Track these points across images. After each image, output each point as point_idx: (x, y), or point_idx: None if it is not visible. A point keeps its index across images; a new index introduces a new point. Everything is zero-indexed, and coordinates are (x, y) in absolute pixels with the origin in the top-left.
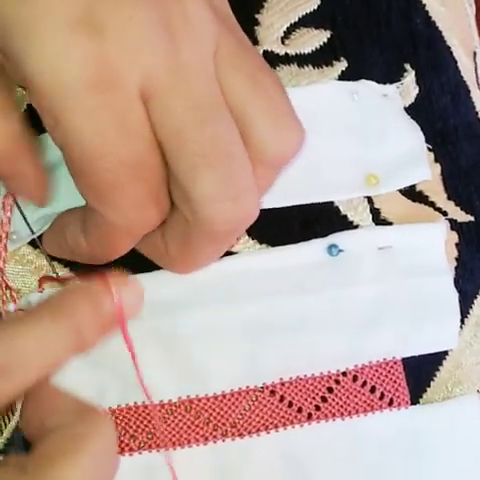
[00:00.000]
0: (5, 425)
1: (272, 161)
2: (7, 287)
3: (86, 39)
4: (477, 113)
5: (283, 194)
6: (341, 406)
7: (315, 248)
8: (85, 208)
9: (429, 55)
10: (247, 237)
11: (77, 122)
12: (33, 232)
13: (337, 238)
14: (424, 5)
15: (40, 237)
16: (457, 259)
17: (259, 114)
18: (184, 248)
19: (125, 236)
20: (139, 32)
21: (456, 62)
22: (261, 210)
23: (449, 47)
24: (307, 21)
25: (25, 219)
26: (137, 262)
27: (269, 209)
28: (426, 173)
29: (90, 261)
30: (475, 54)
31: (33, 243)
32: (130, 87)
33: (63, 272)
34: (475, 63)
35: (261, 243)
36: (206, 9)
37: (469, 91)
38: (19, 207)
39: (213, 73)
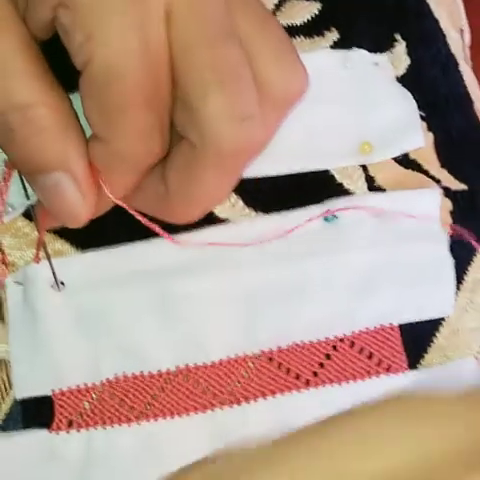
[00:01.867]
0: (3, 400)
1: (278, 100)
2: (3, 261)
3: None
4: (465, 86)
5: (278, 162)
6: (339, 372)
7: (311, 214)
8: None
9: (418, 27)
10: (242, 205)
11: (109, 35)
12: (28, 197)
13: (332, 204)
14: None
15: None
16: (451, 226)
17: (266, 52)
18: (187, 181)
19: (129, 170)
20: None
21: (444, 36)
22: (256, 178)
23: (437, 20)
24: None
25: (23, 183)
26: (136, 230)
27: (264, 177)
28: (420, 140)
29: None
30: (462, 32)
31: (28, 216)
32: (158, 2)
33: (58, 243)
34: (463, 40)
35: (256, 211)
36: None
37: (458, 64)
38: (20, 177)
39: (226, 4)
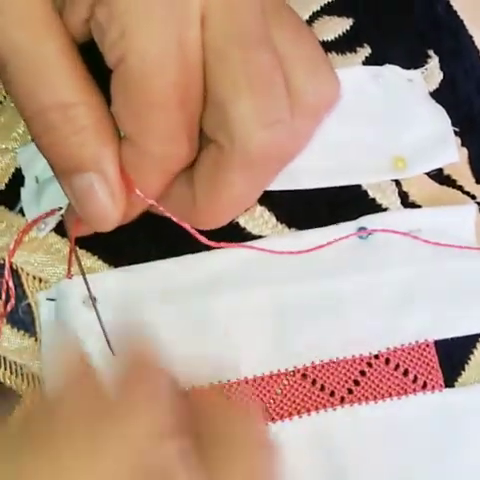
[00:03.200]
0: None
1: (309, 108)
2: (35, 277)
3: None
4: None
5: (311, 177)
6: (374, 389)
7: (345, 231)
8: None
9: (452, 42)
10: (275, 221)
11: (145, 31)
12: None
13: (366, 220)
14: None
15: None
16: None
17: (300, 62)
18: (214, 185)
19: (159, 172)
20: None
21: (478, 51)
22: (289, 193)
23: (471, 36)
24: (329, 9)
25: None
26: (167, 247)
27: (297, 192)
28: (454, 155)
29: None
30: None
31: (60, 232)
32: (194, 3)
33: (90, 260)
34: None
35: (290, 227)
36: None
37: None
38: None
39: (261, 11)
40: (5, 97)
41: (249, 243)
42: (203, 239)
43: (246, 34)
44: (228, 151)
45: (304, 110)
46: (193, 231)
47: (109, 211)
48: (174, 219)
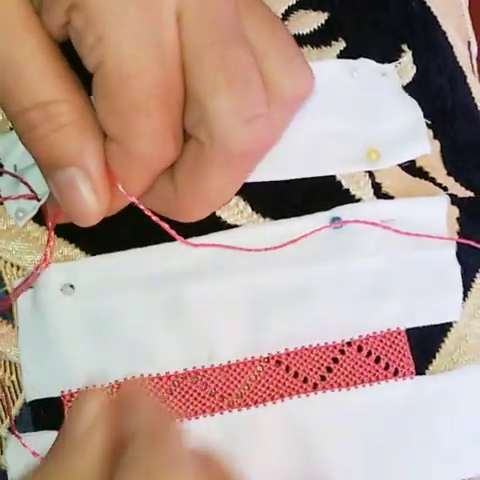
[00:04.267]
0: (13, 402)
1: (285, 100)
2: (13, 265)
3: None
4: (473, 98)
5: (286, 168)
6: (346, 376)
7: (318, 221)
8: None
9: (425, 37)
10: (250, 211)
11: (120, 36)
12: (38, 200)
13: (340, 211)
14: None
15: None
16: (458, 233)
17: (274, 54)
18: (195, 180)
19: (143, 171)
20: None
21: (452, 47)
22: (264, 184)
23: (444, 32)
24: (305, 3)
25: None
26: (144, 236)
27: (272, 182)
28: (426, 147)
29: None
30: (469, 43)
31: (39, 220)
32: (168, 5)
33: (68, 248)
34: (470, 52)
35: (264, 217)
36: None
37: (465, 76)
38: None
39: (235, 7)
40: None
41: (223, 233)
42: (180, 239)
43: (221, 31)
44: (208, 148)
45: (280, 103)
46: (172, 232)
47: (91, 207)
48: (153, 218)
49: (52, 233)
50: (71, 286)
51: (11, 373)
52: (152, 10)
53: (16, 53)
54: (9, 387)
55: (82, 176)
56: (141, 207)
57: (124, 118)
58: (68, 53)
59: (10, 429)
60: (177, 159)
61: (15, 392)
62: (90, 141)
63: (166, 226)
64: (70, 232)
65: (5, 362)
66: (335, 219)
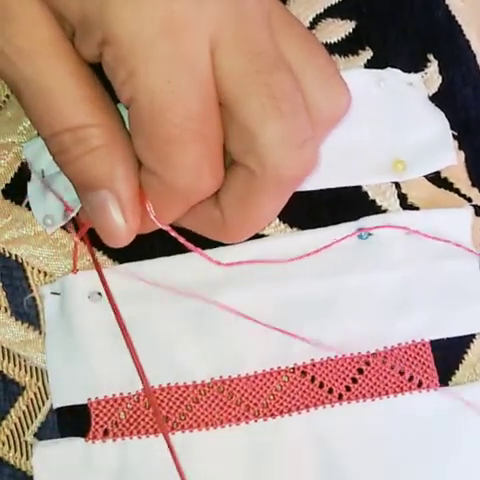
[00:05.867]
0: (39, 409)
1: (324, 121)
2: (40, 271)
3: None
4: None
5: (313, 178)
6: (371, 387)
7: (345, 231)
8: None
9: (450, 47)
10: (278, 221)
11: (150, 70)
12: (67, 207)
13: (366, 222)
14: None
15: (73, 221)
16: None
17: (313, 77)
18: (244, 207)
19: (179, 201)
20: None
21: (475, 56)
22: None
23: (468, 41)
24: (333, 12)
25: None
26: (172, 244)
27: (299, 193)
28: (452, 158)
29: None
30: None
31: (66, 226)
32: (200, 35)
33: (96, 255)
34: None
35: (292, 227)
36: None
37: None
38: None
39: (273, 28)
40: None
41: (250, 243)
42: (212, 260)
43: (262, 56)
44: (260, 176)
45: (320, 124)
46: (204, 254)
47: (120, 229)
48: (182, 241)
49: (79, 241)
50: (99, 293)
51: (38, 379)
52: (182, 41)
53: (47, 79)
54: (35, 393)
55: (112, 199)
56: (173, 234)
57: (159, 151)
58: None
59: (36, 435)
60: (223, 186)
61: (41, 398)
62: (121, 165)
63: (199, 250)
64: (99, 239)
65: (31, 368)
66: (361, 230)
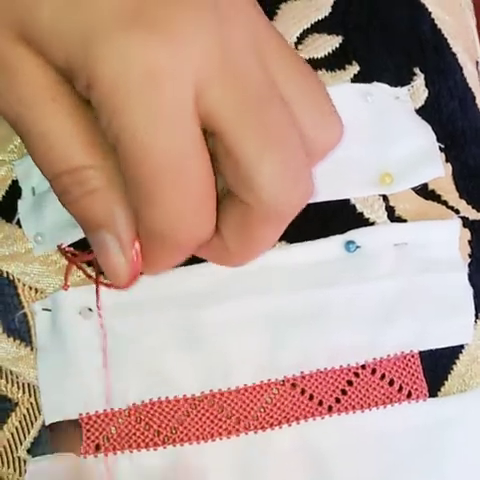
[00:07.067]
0: (32, 424)
1: (318, 153)
2: (31, 288)
3: (137, 36)
4: None
5: None
6: (361, 399)
7: (333, 244)
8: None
9: (436, 60)
10: None
11: (130, 118)
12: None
13: (354, 235)
14: (430, 13)
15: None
16: (470, 255)
17: (307, 109)
18: (244, 237)
19: (169, 248)
20: (190, 22)
21: (462, 69)
22: None
23: (454, 53)
24: (319, 27)
25: None
26: None
27: None
28: (439, 171)
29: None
30: (477, 63)
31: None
32: (183, 80)
33: (87, 271)
34: (478, 72)
35: (280, 240)
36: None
37: (475, 97)
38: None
39: (263, 58)
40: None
41: None
42: None
43: (254, 95)
44: (257, 210)
45: (314, 155)
46: None
47: (122, 269)
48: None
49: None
50: (90, 309)
51: (30, 395)
52: (164, 87)
53: (46, 123)
54: (28, 409)
55: (112, 239)
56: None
57: (141, 193)
58: None
59: (29, 451)
60: (223, 215)
61: (34, 414)
62: (119, 205)
63: None
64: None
65: (24, 384)
66: (349, 243)
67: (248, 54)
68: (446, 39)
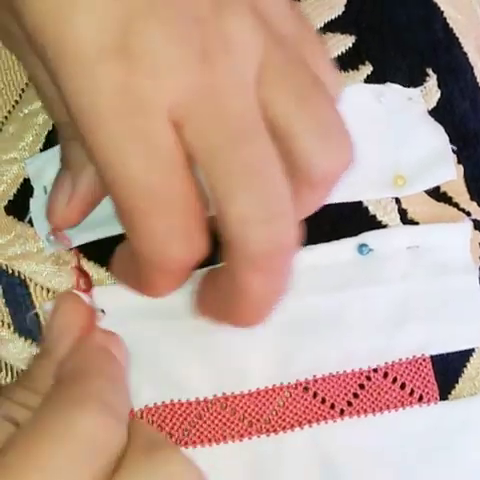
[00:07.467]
0: None
1: (319, 182)
2: (43, 287)
3: (116, 65)
4: None
5: None
6: (372, 402)
7: (346, 247)
8: None
9: (448, 60)
10: None
11: (104, 149)
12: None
13: (367, 237)
14: (442, 12)
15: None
16: None
17: (305, 133)
18: (233, 284)
19: (161, 274)
20: (171, 56)
21: (472, 68)
22: None
23: (465, 53)
24: (332, 26)
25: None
26: None
27: None
28: (452, 173)
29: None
30: None
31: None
32: (158, 112)
33: (99, 272)
34: None
35: None
36: (249, 26)
37: None
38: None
39: (252, 93)
40: (13, 106)
41: None
42: None
43: (233, 128)
44: (231, 252)
45: (313, 183)
46: None
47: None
48: None
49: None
50: (102, 311)
51: None
52: (139, 115)
53: None
54: None
55: None
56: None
57: (129, 223)
58: None
59: None
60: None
61: None
62: None
63: None
64: (101, 255)
65: None
66: (362, 245)
67: (234, 89)
68: (458, 38)
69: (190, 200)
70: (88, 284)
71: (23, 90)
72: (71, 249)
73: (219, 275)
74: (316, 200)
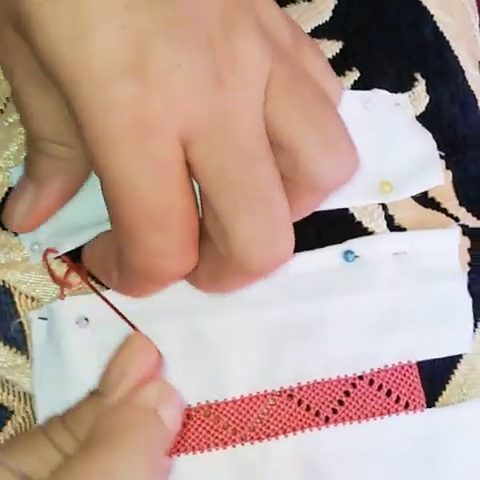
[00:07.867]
0: None
1: (323, 191)
2: (27, 296)
3: (129, 87)
4: None
5: None
6: (358, 409)
7: (331, 254)
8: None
9: (438, 64)
10: None
11: (112, 168)
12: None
13: (353, 244)
14: (432, 15)
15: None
16: (469, 264)
17: (311, 146)
18: (216, 279)
19: (148, 282)
20: (184, 79)
21: (463, 72)
22: None
23: (456, 57)
24: (319, 32)
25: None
26: None
27: None
28: (439, 178)
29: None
30: None
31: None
32: (168, 134)
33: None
34: None
35: None
36: (257, 45)
37: (477, 100)
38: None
39: (260, 112)
40: None
41: None
42: None
43: (238, 154)
44: (228, 264)
45: (317, 192)
46: None
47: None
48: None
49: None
50: (86, 319)
51: (26, 404)
52: (148, 138)
53: None
54: (24, 417)
55: None
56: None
57: (126, 235)
58: None
59: None
60: (200, 254)
61: (30, 423)
62: None
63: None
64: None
65: (19, 393)
66: (348, 252)
67: (243, 111)
68: (448, 42)
69: (191, 218)
70: (82, 274)
71: (8, 99)
72: (58, 257)
73: (200, 268)
74: (315, 204)
